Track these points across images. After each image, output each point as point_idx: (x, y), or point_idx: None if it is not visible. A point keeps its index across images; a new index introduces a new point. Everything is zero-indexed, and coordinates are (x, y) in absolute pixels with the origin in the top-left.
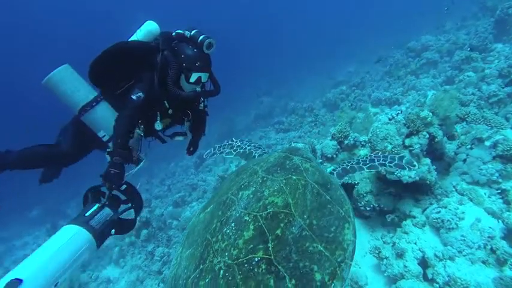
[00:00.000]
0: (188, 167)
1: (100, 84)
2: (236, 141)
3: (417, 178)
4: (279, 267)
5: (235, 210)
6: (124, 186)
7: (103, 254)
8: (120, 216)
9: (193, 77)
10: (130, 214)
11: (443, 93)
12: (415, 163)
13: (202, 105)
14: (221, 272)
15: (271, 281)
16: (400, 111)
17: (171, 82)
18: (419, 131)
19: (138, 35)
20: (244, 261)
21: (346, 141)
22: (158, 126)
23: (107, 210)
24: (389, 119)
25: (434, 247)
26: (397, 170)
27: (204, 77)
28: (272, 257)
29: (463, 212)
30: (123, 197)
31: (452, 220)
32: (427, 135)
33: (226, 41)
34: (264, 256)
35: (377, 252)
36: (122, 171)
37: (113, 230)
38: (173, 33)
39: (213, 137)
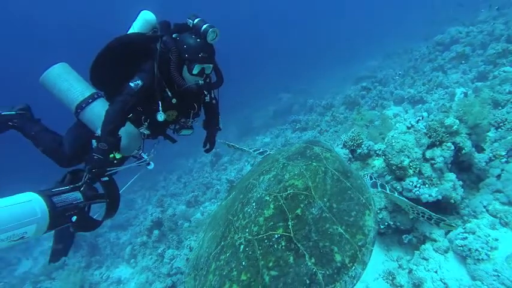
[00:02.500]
0: (205, 164)
1: (103, 87)
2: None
3: (439, 197)
4: (299, 245)
5: (256, 192)
6: (105, 178)
7: (119, 250)
8: (89, 210)
9: (196, 69)
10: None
11: (473, 97)
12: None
13: (208, 97)
14: (241, 246)
15: (291, 257)
16: (421, 117)
17: (173, 67)
18: (443, 142)
19: (135, 27)
20: (264, 237)
21: (359, 150)
22: (160, 117)
23: (77, 195)
24: (408, 128)
25: (459, 279)
26: (416, 189)
27: (208, 68)
28: (292, 235)
29: (497, 240)
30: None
31: (482, 250)
32: (452, 147)
33: (246, 37)
34: (284, 233)
35: (391, 278)
36: (106, 158)
37: (75, 217)
38: (172, 25)
39: (232, 133)
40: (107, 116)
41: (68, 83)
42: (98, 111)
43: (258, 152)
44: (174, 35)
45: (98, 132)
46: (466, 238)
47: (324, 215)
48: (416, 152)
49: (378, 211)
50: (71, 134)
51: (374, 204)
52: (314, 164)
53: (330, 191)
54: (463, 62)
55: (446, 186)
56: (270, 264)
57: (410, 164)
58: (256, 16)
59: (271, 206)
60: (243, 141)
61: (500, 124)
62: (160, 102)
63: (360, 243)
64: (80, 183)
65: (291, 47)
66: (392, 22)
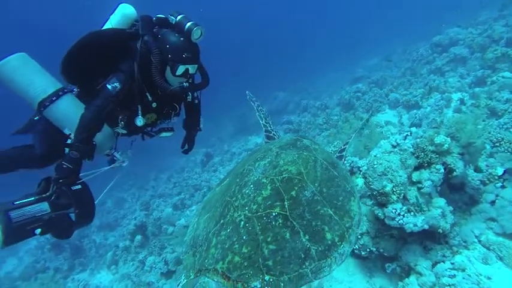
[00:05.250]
0: (196, 164)
1: (75, 82)
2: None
3: (426, 226)
4: (294, 222)
5: (253, 176)
6: (77, 187)
7: (105, 252)
8: (63, 218)
9: (180, 70)
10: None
11: (467, 113)
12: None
13: (190, 96)
14: (242, 223)
15: (287, 234)
16: (409, 133)
17: (156, 72)
18: (432, 163)
19: (113, 22)
20: (263, 214)
21: None
22: (140, 121)
23: (43, 206)
24: (393, 146)
25: None
26: (399, 217)
27: (192, 69)
28: (288, 214)
29: (489, 278)
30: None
31: None
32: (442, 169)
33: (244, 34)
34: (281, 212)
35: None
36: (76, 167)
37: (39, 230)
38: (153, 19)
39: (228, 132)
40: (81, 122)
41: (27, 78)
42: (64, 109)
43: (266, 128)
44: (155, 30)
45: (66, 131)
46: (454, 276)
47: (315, 197)
48: (400, 176)
49: (359, 236)
50: (39, 132)
51: (357, 193)
52: (305, 153)
53: (320, 177)
54: (460, 65)
55: (434, 214)
56: (269, 239)
57: (394, 189)
58: (253, 12)
59: (269, 188)
60: (237, 140)
61: (496, 144)
62: (139, 106)
63: (347, 225)
64: (48, 193)
65: (290, 44)
66: (396, 20)
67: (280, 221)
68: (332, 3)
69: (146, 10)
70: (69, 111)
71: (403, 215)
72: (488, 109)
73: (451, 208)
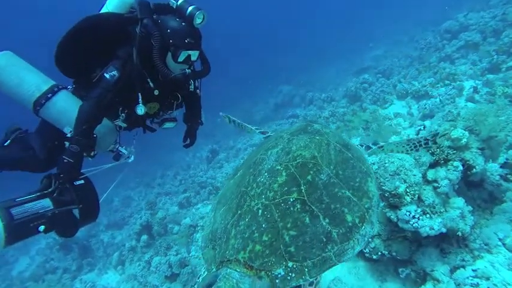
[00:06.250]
0: (202, 160)
1: (71, 73)
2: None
3: (443, 229)
4: (313, 207)
5: (266, 164)
6: (80, 182)
7: (113, 251)
8: (67, 214)
9: (182, 56)
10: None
11: (486, 104)
12: None
13: (192, 86)
14: (259, 211)
15: (307, 218)
16: (422, 127)
17: (157, 55)
18: (449, 160)
19: (109, 6)
20: (281, 201)
21: None
22: (141, 110)
23: (46, 203)
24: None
25: None
26: (414, 220)
27: (194, 55)
28: (305, 198)
29: None
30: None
31: None
32: (460, 167)
33: (248, 29)
34: (298, 197)
35: None
36: (77, 161)
37: (42, 227)
38: (151, 5)
39: (232, 127)
40: (80, 114)
41: (17, 76)
42: (62, 106)
43: (260, 131)
44: (154, 16)
45: (66, 130)
46: (477, 285)
47: (332, 180)
48: (415, 175)
49: (370, 239)
50: (38, 134)
51: (373, 173)
52: (317, 137)
53: (335, 160)
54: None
55: (453, 215)
56: (289, 225)
57: (407, 190)
58: (253, 6)
59: (284, 174)
60: (242, 135)
61: None
62: (140, 94)
63: (366, 206)
64: (50, 189)
65: (294, 36)
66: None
67: (298, 206)
68: None
69: None
70: (68, 108)
71: (418, 218)
72: (505, 97)
73: (470, 208)
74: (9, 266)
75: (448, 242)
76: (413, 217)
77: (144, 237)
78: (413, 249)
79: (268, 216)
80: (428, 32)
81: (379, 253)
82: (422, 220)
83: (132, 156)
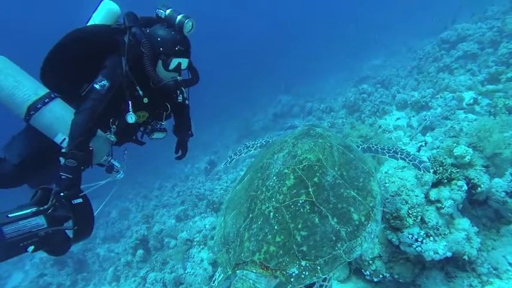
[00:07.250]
0: (200, 172)
1: (59, 89)
2: (250, 142)
3: (448, 254)
4: (321, 207)
5: (274, 168)
6: (78, 200)
7: (108, 266)
8: (60, 234)
9: (173, 63)
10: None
11: (490, 119)
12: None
13: (181, 97)
14: (271, 214)
15: (316, 219)
16: (424, 143)
17: (148, 62)
18: (452, 179)
19: (96, 19)
20: (290, 203)
21: None
22: (131, 118)
23: (40, 221)
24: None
25: None
26: (417, 243)
27: (184, 63)
28: (314, 199)
29: None
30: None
31: None
32: (465, 186)
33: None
34: (307, 199)
35: None
36: (76, 177)
37: (31, 247)
38: (138, 17)
39: (231, 138)
40: (74, 127)
41: (14, 78)
42: (58, 113)
43: (257, 146)
44: (142, 28)
45: (57, 138)
46: None
47: (337, 181)
48: (417, 196)
49: (371, 261)
50: (19, 142)
51: (375, 173)
52: (320, 140)
53: (338, 161)
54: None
55: (458, 238)
56: (299, 226)
57: (409, 212)
58: (257, 14)
59: (291, 177)
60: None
61: None
62: (130, 102)
63: (371, 204)
64: (46, 206)
65: (293, 46)
66: (401, 17)
67: (307, 208)
68: (335, 3)
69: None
70: (64, 115)
71: (421, 241)
72: (506, 109)
73: (475, 229)
74: (2, 282)
75: (453, 264)
76: (416, 240)
77: (140, 251)
78: (417, 271)
79: (280, 218)
80: (425, 41)
81: (381, 275)
82: (426, 244)
83: (122, 172)
